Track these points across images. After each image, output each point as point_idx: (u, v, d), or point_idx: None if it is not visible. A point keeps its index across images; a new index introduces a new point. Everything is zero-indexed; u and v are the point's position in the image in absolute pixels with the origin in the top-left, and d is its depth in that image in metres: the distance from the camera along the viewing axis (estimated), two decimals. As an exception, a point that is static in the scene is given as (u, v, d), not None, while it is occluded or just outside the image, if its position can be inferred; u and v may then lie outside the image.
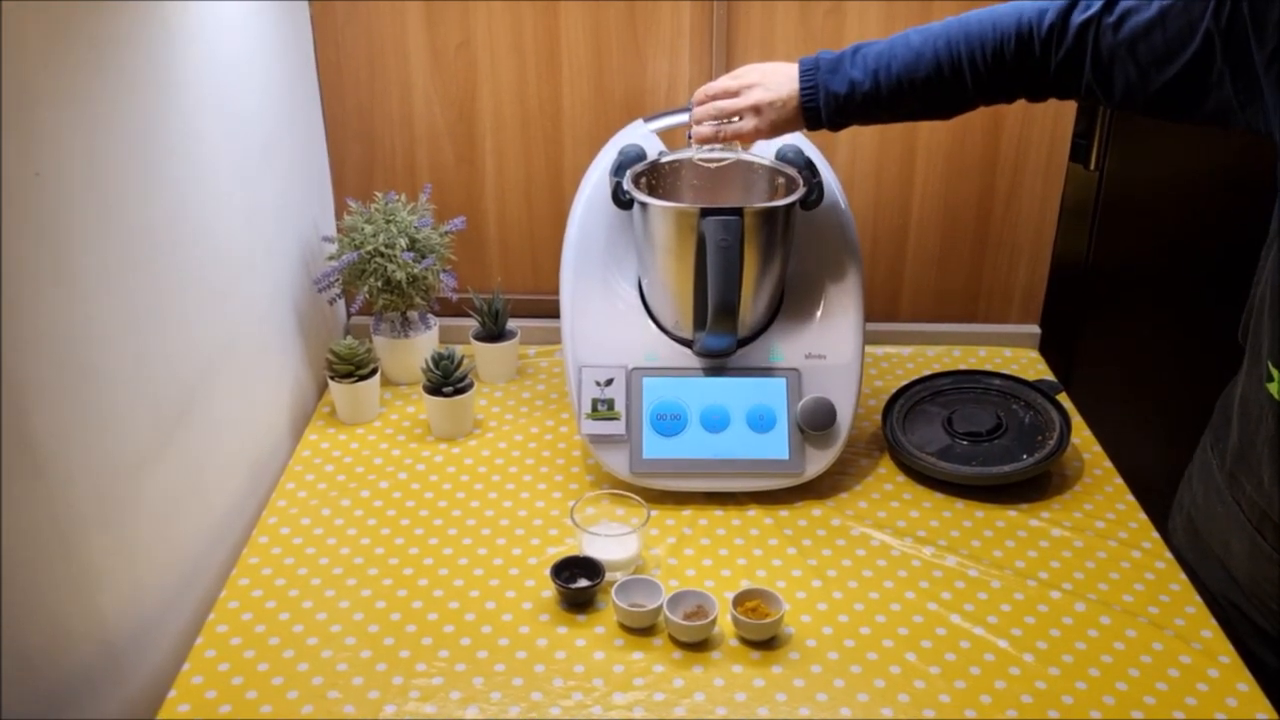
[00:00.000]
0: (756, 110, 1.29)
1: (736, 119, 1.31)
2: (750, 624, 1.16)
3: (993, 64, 1.21)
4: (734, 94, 1.31)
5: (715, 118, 1.32)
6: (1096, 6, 1.15)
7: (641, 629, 1.19)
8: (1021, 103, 1.63)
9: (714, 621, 1.17)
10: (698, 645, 1.17)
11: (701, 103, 1.34)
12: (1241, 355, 1.19)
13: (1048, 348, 1.81)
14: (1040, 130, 1.67)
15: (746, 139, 1.34)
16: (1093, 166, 1.94)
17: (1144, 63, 1.12)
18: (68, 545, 1.00)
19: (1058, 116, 1.67)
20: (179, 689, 1.11)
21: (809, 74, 1.26)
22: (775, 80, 1.28)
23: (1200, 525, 1.28)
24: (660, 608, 1.18)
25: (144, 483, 1.13)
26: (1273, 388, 1.08)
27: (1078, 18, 1.16)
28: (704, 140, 1.34)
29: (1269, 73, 1.03)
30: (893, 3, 1.58)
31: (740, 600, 1.19)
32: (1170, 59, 1.10)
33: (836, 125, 1.29)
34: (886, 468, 1.48)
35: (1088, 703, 1.10)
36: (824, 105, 1.26)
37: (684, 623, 1.16)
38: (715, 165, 1.41)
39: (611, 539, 1.27)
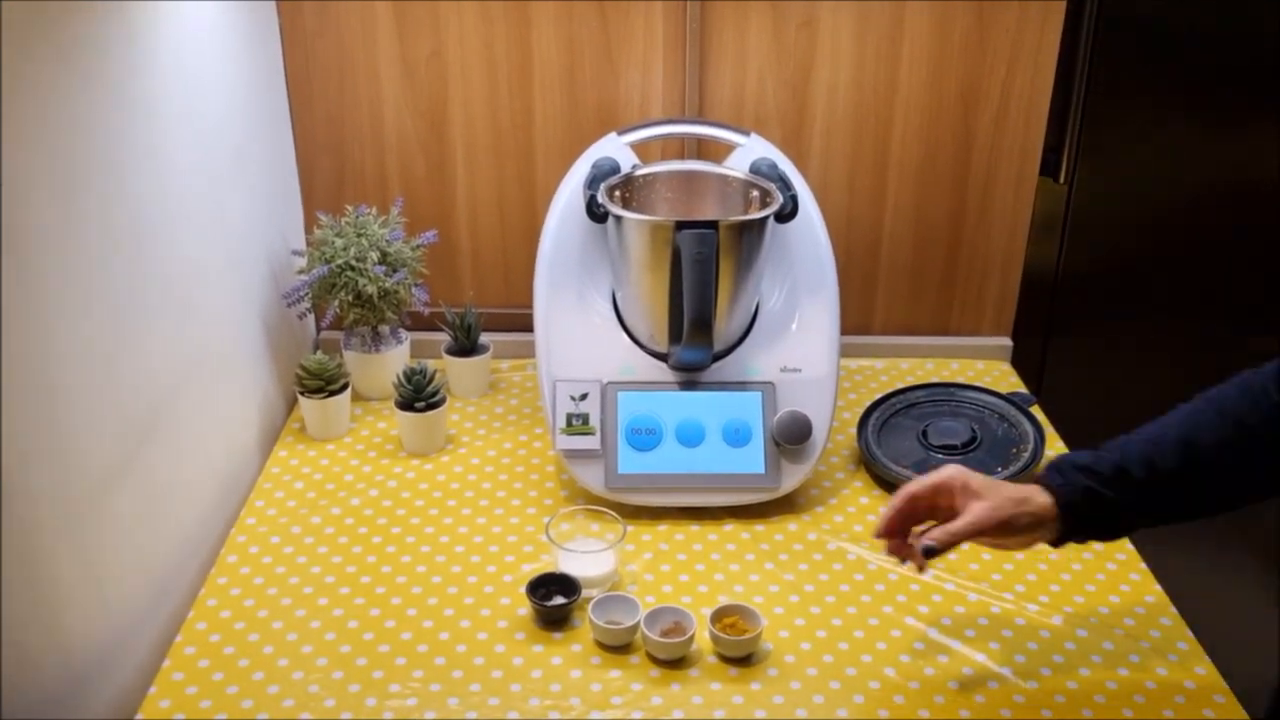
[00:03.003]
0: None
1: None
2: (729, 640, 1.15)
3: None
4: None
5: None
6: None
7: (619, 646, 1.18)
8: (991, 116, 1.67)
9: (692, 638, 1.16)
10: (676, 662, 1.16)
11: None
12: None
13: (1019, 360, 1.81)
14: (1011, 144, 1.68)
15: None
16: (1063, 180, 1.96)
17: None
18: (31, 565, 0.98)
19: (1028, 130, 1.68)
20: (146, 712, 1.09)
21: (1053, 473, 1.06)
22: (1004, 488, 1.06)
23: None
24: (638, 625, 1.17)
25: (110, 501, 1.11)
26: None
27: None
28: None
29: None
30: (865, 14, 1.59)
31: (718, 616, 1.18)
32: None
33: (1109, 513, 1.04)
34: (862, 481, 1.48)
35: (1067, 716, 1.10)
36: (1071, 483, 1.03)
37: (662, 640, 1.15)
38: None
39: (588, 555, 1.25)
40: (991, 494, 1.04)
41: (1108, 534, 1.08)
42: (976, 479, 1.06)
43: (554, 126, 1.66)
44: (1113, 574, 1.30)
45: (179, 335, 1.27)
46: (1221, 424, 1.01)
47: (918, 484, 1.08)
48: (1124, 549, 1.35)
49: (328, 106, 1.66)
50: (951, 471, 1.07)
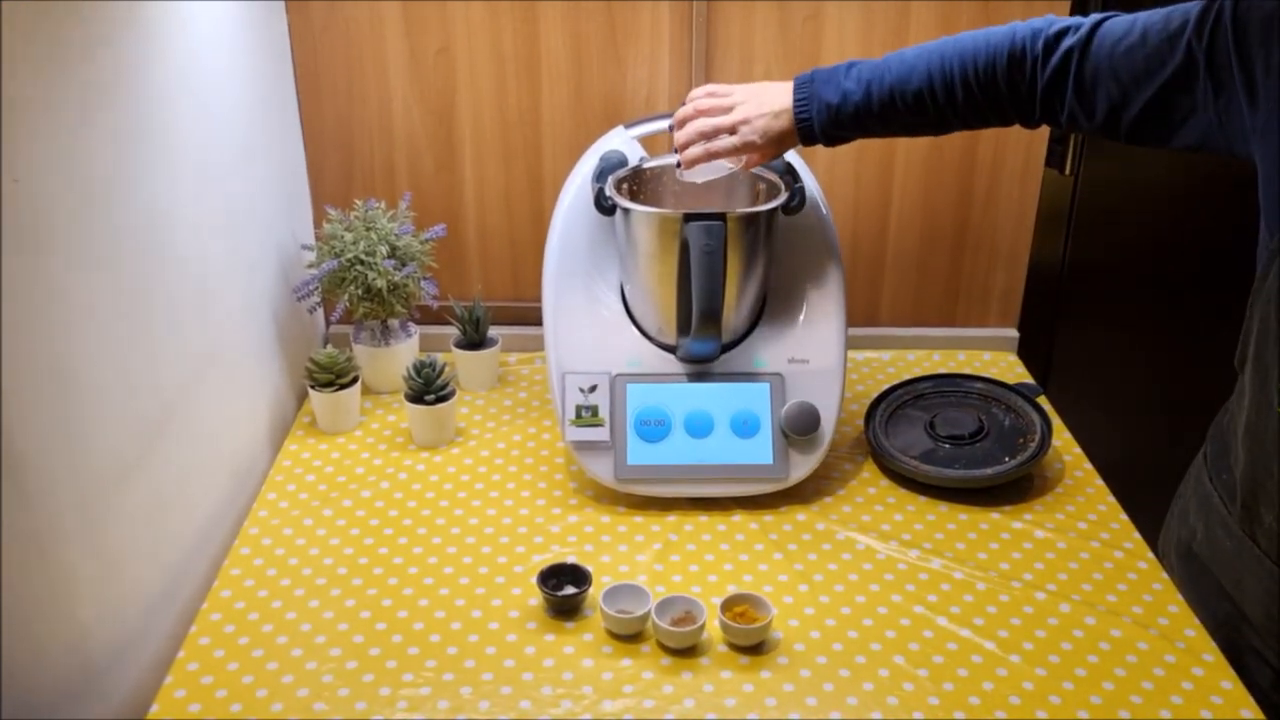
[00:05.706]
0: (747, 122, 1.27)
1: (727, 135, 1.28)
2: (739, 629, 1.16)
3: (984, 80, 1.20)
4: (723, 111, 1.29)
5: (703, 135, 1.29)
6: (1084, 30, 1.16)
7: (629, 635, 1.19)
8: (999, 108, 1.67)
9: (702, 627, 1.17)
10: (686, 651, 1.17)
11: (685, 120, 1.31)
12: (1232, 380, 1.16)
13: (1025, 351, 1.82)
14: (1017, 135, 1.69)
15: (741, 154, 1.31)
16: (1068, 171, 1.96)
17: (1125, 80, 1.12)
18: (47, 557, 0.99)
19: (1034, 122, 1.68)
20: (161, 703, 1.10)
21: (803, 86, 1.26)
22: (768, 96, 1.28)
23: (1207, 561, 1.24)
24: (648, 614, 1.18)
25: (124, 493, 1.12)
26: None
27: (1067, 41, 1.16)
28: (694, 162, 1.30)
29: (1248, 90, 1.03)
30: (871, 8, 1.59)
31: (728, 605, 1.19)
32: (1151, 76, 1.10)
33: (831, 138, 1.28)
34: (870, 472, 1.49)
35: (1075, 703, 1.11)
36: (816, 116, 1.25)
37: (672, 629, 1.16)
38: (704, 180, 1.39)
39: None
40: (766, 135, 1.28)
41: (826, 143, 1.30)
42: (747, 106, 1.28)
43: (561, 120, 1.67)
44: (1120, 562, 1.31)
45: (190, 330, 1.28)
46: (952, 86, 1.22)
47: (713, 100, 1.30)
48: (1131, 538, 1.35)
49: (336, 102, 1.67)
50: (743, 95, 1.30)
